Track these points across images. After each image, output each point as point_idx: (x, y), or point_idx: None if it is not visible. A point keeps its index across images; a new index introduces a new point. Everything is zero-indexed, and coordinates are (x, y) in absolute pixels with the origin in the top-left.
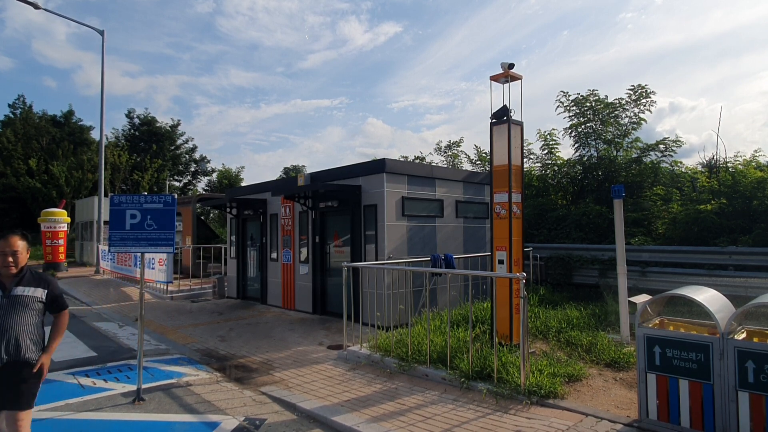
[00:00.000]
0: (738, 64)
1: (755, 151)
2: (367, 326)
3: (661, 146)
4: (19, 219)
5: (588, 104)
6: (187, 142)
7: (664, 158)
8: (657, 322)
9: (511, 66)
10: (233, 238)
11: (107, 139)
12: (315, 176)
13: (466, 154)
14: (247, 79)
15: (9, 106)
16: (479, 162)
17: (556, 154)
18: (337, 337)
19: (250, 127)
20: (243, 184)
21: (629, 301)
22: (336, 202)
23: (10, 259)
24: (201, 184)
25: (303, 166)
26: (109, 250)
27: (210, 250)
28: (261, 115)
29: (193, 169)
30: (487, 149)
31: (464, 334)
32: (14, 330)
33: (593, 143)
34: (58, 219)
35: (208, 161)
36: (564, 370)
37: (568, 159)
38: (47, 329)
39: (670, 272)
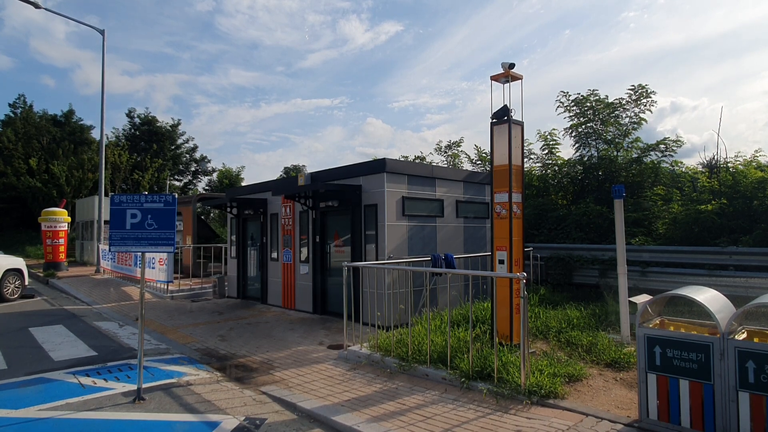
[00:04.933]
0: (740, 63)
1: (756, 151)
2: (367, 326)
3: (662, 146)
4: (19, 218)
5: (588, 104)
6: (187, 141)
7: (664, 158)
8: (657, 322)
9: (512, 66)
10: (233, 237)
11: (107, 138)
12: (315, 176)
13: (466, 153)
14: (247, 78)
15: (9, 105)
16: (479, 162)
17: (557, 154)
18: (338, 337)
19: (250, 126)
20: (243, 183)
21: (630, 301)
22: (336, 201)
23: None
24: (201, 184)
25: (303, 165)
26: (109, 250)
27: (210, 250)
28: (261, 115)
29: (193, 169)
30: (488, 149)
31: (464, 333)
32: None
33: (593, 143)
34: (59, 218)
35: (209, 161)
36: (564, 370)
37: (569, 159)
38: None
39: (671, 272)
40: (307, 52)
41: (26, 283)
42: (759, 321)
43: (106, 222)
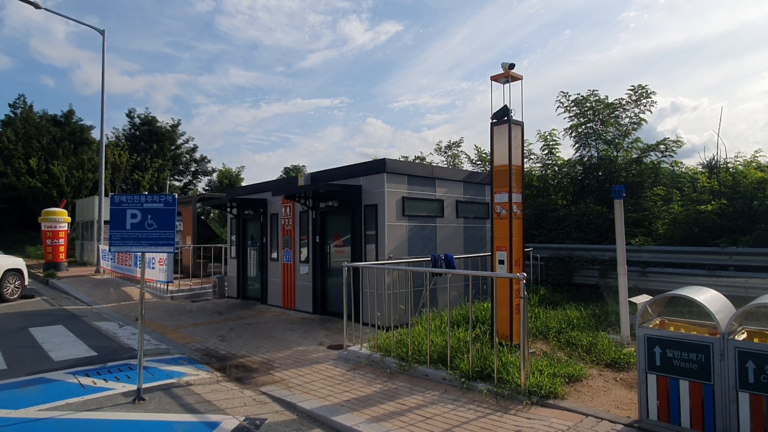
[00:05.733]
0: (740, 63)
1: (756, 151)
2: (367, 326)
3: (662, 146)
4: (19, 218)
5: (588, 104)
6: (187, 141)
7: (664, 158)
8: (657, 322)
9: (512, 66)
10: (233, 237)
11: (107, 138)
12: (315, 176)
13: (466, 154)
14: (247, 78)
15: (9, 105)
16: (479, 162)
17: (557, 155)
18: (338, 337)
19: (250, 126)
20: (243, 183)
21: (630, 301)
22: (336, 202)
23: None
24: (201, 184)
25: (303, 166)
26: (109, 250)
27: (210, 250)
28: (261, 115)
29: (193, 169)
30: (488, 149)
31: (464, 334)
32: None
33: (593, 143)
34: (59, 218)
35: (209, 161)
36: (564, 371)
37: (569, 159)
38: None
39: (671, 272)
40: (307, 52)
41: (26, 283)
42: (759, 321)
43: (106, 222)
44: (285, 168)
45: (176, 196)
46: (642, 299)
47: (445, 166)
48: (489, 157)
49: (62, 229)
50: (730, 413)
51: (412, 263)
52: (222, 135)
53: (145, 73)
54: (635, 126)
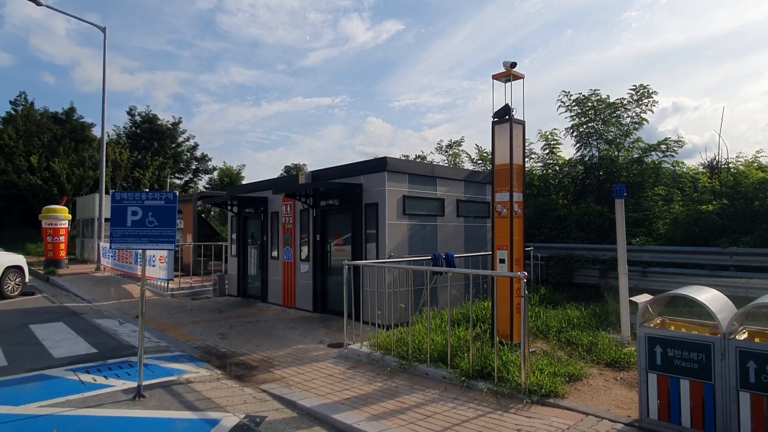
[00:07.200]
0: (742, 64)
1: (757, 151)
2: (367, 325)
3: (663, 146)
4: (20, 216)
5: (589, 104)
6: (188, 140)
7: (665, 158)
8: (658, 321)
9: (514, 65)
10: (234, 236)
11: (108, 136)
12: (316, 174)
13: (467, 153)
14: (248, 76)
15: (10, 103)
16: (480, 161)
17: (558, 154)
18: (338, 336)
19: (251, 125)
20: (244, 182)
21: (630, 300)
22: (337, 200)
23: None
24: (202, 182)
25: (304, 164)
26: (110, 247)
27: (211, 248)
28: (262, 113)
29: (194, 167)
30: (488, 148)
31: (465, 333)
32: None
33: (595, 143)
34: (59, 216)
35: (209, 159)
36: (564, 370)
37: (570, 159)
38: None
39: (671, 272)
40: (308, 51)
41: (27, 280)
42: (760, 321)
43: (106, 220)
44: (286, 166)
45: (177, 193)
46: (643, 299)
47: (446, 165)
48: (490, 156)
49: (63, 226)
50: (730, 413)
51: (412, 262)
52: (222, 133)
53: (145, 71)
54: (636, 126)
